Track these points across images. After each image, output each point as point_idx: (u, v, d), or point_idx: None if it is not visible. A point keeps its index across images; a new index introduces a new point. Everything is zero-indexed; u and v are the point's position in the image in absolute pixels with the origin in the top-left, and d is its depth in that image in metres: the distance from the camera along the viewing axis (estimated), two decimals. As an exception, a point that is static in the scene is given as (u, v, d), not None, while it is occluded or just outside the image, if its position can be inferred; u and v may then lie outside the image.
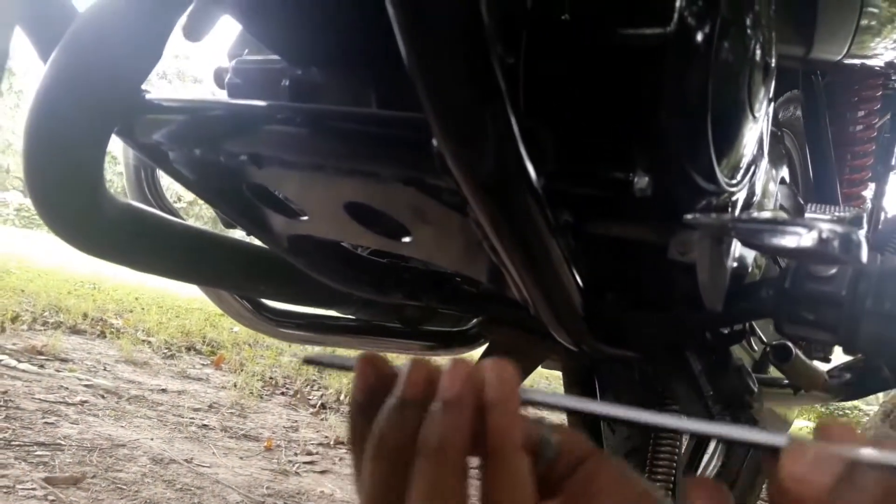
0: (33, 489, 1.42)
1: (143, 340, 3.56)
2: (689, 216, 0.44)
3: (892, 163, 1.45)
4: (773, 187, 0.85)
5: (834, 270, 0.56)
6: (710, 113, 0.49)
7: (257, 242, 0.74)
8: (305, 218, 0.58)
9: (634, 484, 0.30)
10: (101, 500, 1.45)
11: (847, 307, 0.55)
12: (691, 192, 0.51)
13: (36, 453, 1.63)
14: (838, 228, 0.38)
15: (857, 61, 1.06)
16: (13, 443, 1.66)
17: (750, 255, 0.67)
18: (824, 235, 0.37)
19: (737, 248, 0.58)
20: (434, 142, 0.39)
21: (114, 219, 0.58)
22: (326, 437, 2.49)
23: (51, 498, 1.40)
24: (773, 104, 0.68)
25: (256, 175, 0.55)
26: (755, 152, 0.61)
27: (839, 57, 0.98)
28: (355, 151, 0.43)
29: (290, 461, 2.09)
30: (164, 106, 0.54)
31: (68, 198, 0.55)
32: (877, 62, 1.13)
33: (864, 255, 0.38)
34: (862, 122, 1.27)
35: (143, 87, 0.55)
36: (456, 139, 0.39)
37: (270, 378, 3.24)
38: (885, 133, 1.43)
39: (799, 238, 0.37)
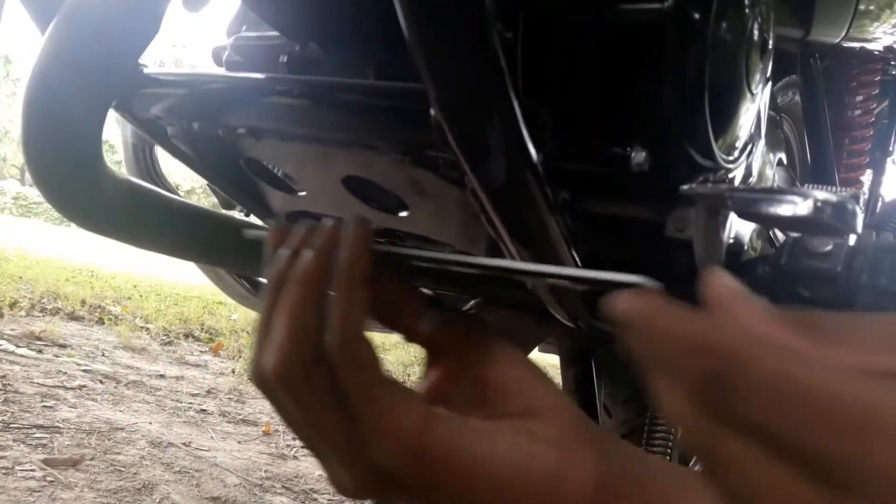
0: (32, 470, 1.42)
1: (142, 327, 3.56)
2: (685, 187, 0.44)
3: (890, 148, 1.45)
4: (769, 171, 0.86)
5: (830, 247, 0.56)
6: (708, 89, 0.50)
7: (256, 222, 0.74)
8: (303, 193, 0.58)
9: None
10: (99, 482, 1.46)
11: (842, 283, 0.55)
12: (688, 168, 0.51)
13: (35, 436, 1.63)
14: (833, 197, 0.38)
15: (856, 45, 1.06)
16: (12, 425, 1.66)
17: (746, 234, 0.67)
18: (819, 203, 0.37)
19: (733, 224, 0.58)
20: (432, 112, 0.39)
21: (113, 194, 0.58)
22: (324, 422, 2.50)
23: (49, 479, 1.41)
24: (771, 85, 0.68)
25: (254, 149, 0.55)
26: (752, 131, 0.61)
27: (838, 40, 0.98)
28: (353, 123, 0.44)
29: (288, 445, 2.10)
30: (162, 80, 0.54)
31: (67, 172, 0.55)
32: (875, 46, 1.13)
33: (860, 224, 0.38)
34: (860, 106, 1.27)
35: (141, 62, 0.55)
36: (455, 113, 0.40)
37: (268, 364, 3.24)
38: (883, 119, 1.43)
39: (794, 206, 0.37)
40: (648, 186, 0.53)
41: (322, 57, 0.58)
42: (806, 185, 0.87)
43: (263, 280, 0.96)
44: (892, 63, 1.28)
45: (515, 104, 0.41)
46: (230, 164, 0.59)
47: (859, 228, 0.38)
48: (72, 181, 0.55)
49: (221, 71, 0.61)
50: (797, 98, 1.18)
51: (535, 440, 0.32)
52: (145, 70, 0.55)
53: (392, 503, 0.36)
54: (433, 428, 0.31)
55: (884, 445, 0.17)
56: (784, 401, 0.19)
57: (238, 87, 0.51)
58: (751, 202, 0.39)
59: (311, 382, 0.32)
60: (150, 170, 0.75)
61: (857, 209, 0.38)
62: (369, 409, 0.31)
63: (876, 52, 1.17)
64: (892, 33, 1.12)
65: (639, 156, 0.49)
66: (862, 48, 1.09)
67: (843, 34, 0.96)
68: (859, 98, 1.24)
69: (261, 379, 0.33)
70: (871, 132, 1.30)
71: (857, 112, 1.26)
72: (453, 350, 0.36)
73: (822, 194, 0.37)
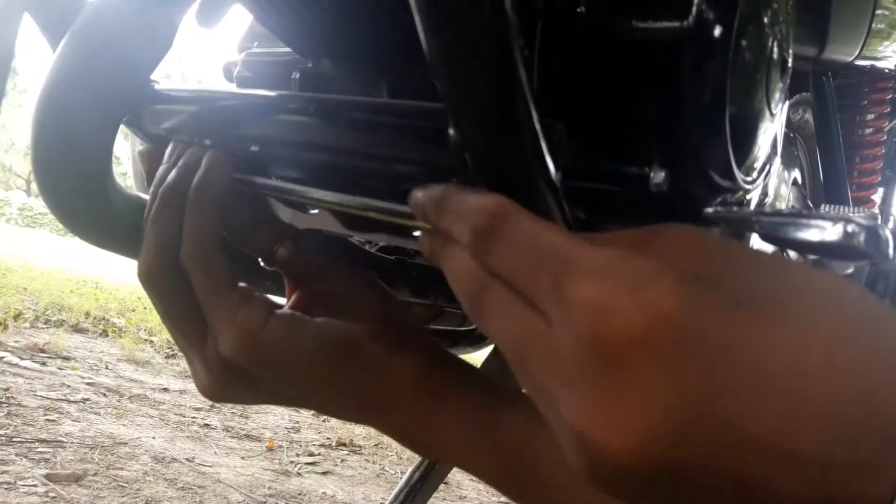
0: (34, 486, 1.41)
1: (146, 340, 3.55)
2: (710, 209, 0.43)
3: (903, 166, 1.44)
4: (785, 189, 0.85)
5: (851, 270, 0.55)
6: (729, 108, 0.49)
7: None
8: (315, 212, 0.57)
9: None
10: (102, 498, 1.44)
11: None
12: (707, 189, 0.50)
13: (37, 450, 1.62)
14: (865, 222, 0.37)
15: (868, 63, 1.05)
16: (14, 439, 1.65)
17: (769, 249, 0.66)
18: (850, 229, 0.36)
19: (753, 246, 0.57)
20: (451, 131, 0.38)
21: (122, 210, 0.57)
22: (328, 438, 2.49)
23: (52, 495, 1.39)
24: (787, 104, 0.67)
25: (266, 167, 0.54)
26: (770, 151, 0.61)
27: (851, 58, 0.97)
28: (368, 141, 0.43)
29: (291, 462, 2.08)
30: (173, 96, 0.54)
31: (76, 187, 0.55)
32: (887, 65, 1.12)
33: (892, 251, 0.37)
34: (871, 125, 1.27)
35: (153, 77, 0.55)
36: (475, 132, 0.39)
37: (272, 379, 3.23)
38: (894, 138, 1.42)
39: (823, 231, 0.36)
40: (666, 207, 0.53)
41: (335, 74, 0.57)
42: (822, 207, 0.86)
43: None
44: (904, 81, 1.28)
45: (536, 122, 0.40)
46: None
47: (891, 254, 0.37)
48: (80, 196, 0.55)
49: (233, 87, 0.60)
50: (808, 116, 1.17)
51: (350, 325, 0.38)
52: (157, 86, 0.55)
53: (244, 402, 0.41)
54: (270, 321, 0.36)
55: (576, 282, 0.21)
56: (528, 252, 0.24)
57: (251, 104, 0.50)
58: (778, 227, 0.39)
59: (172, 284, 0.38)
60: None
61: (889, 235, 0.37)
62: (217, 307, 0.36)
63: (887, 71, 1.17)
64: (903, 52, 1.11)
65: (658, 175, 0.48)
66: (873, 66, 1.08)
67: (857, 52, 0.96)
68: (871, 117, 1.24)
69: (138, 277, 0.40)
70: (882, 150, 1.29)
71: (869, 131, 1.26)
72: (307, 274, 0.43)
73: (854, 218, 0.36)
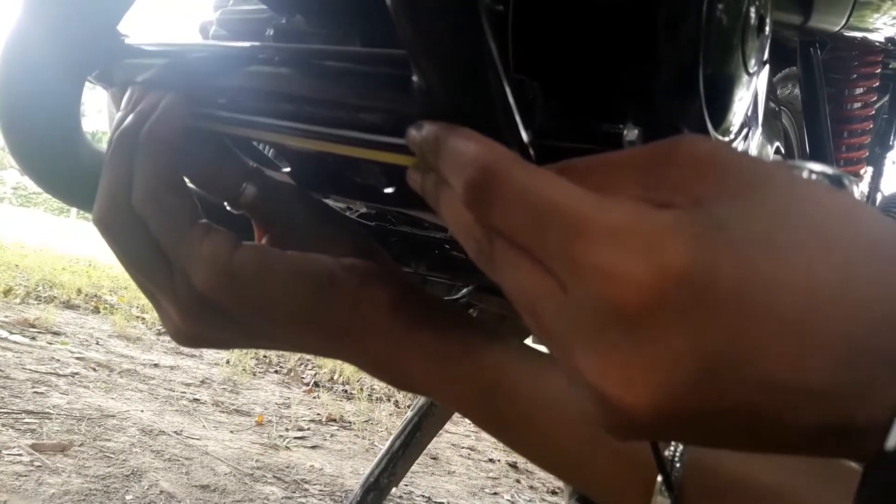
0: (19, 455, 1.41)
1: (137, 317, 3.55)
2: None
3: (891, 143, 1.44)
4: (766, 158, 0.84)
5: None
6: (702, 65, 0.48)
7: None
8: (288, 170, 0.57)
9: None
10: (87, 468, 1.45)
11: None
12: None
13: (24, 420, 1.62)
14: (829, 170, 0.37)
15: (856, 34, 1.05)
16: (1, 410, 1.65)
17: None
18: (814, 175, 0.36)
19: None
20: (414, 79, 0.38)
21: (92, 167, 0.57)
22: (318, 414, 2.49)
23: (37, 464, 1.39)
24: (769, 70, 0.67)
25: (237, 122, 0.53)
26: (749, 114, 0.60)
27: (838, 28, 0.97)
28: (334, 89, 0.42)
29: (280, 436, 2.09)
30: (143, 50, 0.53)
31: (44, 143, 0.54)
32: (876, 37, 1.12)
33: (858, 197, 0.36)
34: (860, 99, 1.26)
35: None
36: (439, 80, 0.38)
37: (264, 356, 3.24)
38: (882, 114, 1.42)
39: (788, 179, 0.36)
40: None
41: (308, 29, 0.56)
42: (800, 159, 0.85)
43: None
44: (893, 56, 1.27)
45: (504, 78, 0.40)
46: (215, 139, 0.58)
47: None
48: (49, 152, 0.54)
49: (203, 40, 0.60)
50: (796, 91, 1.17)
51: (322, 257, 0.38)
52: (126, 40, 0.54)
53: (216, 344, 0.41)
54: (240, 251, 0.35)
55: (586, 247, 0.21)
56: (528, 212, 0.23)
57: (221, 56, 0.49)
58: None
59: (128, 228, 0.38)
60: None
61: (854, 185, 0.37)
62: (180, 244, 0.36)
63: (877, 44, 1.16)
64: (892, 24, 1.10)
65: (631, 133, 0.48)
66: (863, 39, 1.08)
67: (843, 22, 0.95)
68: (859, 91, 1.23)
69: (93, 223, 0.39)
70: (871, 126, 1.28)
71: (857, 105, 1.25)
72: (276, 216, 0.42)
73: (817, 166, 0.36)
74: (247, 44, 0.51)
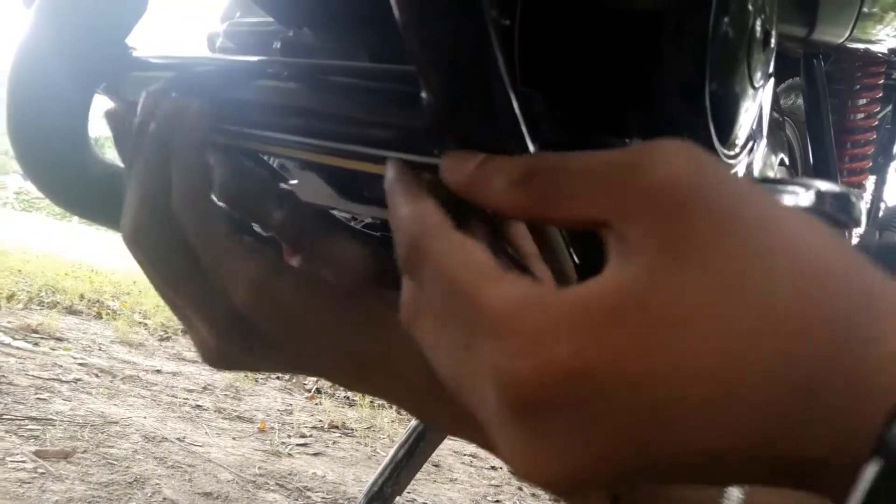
0: (23, 462, 1.41)
1: (140, 323, 3.55)
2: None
3: (894, 153, 1.44)
4: (770, 172, 0.84)
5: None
6: (708, 80, 0.49)
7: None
8: (294, 182, 0.57)
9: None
10: (90, 475, 1.45)
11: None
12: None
13: (27, 427, 1.62)
14: (836, 189, 0.37)
15: (859, 46, 1.05)
16: (4, 416, 1.65)
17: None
18: (821, 194, 0.36)
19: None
20: (423, 95, 0.38)
21: (100, 178, 0.57)
22: (321, 420, 2.49)
23: (40, 471, 1.40)
24: (773, 81, 0.67)
25: (243, 135, 0.54)
26: (754, 127, 0.60)
27: (841, 40, 0.97)
28: (343, 104, 0.42)
29: (283, 443, 2.09)
30: (151, 63, 0.53)
31: (53, 155, 0.55)
32: (879, 48, 1.12)
33: (863, 217, 0.37)
34: (863, 110, 1.26)
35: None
36: (446, 95, 0.39)
37: (266, 362, 3.23)
38: (886, 124, 1.42)
39: (796, 197, 0.36)
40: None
41: (316, 43, 0.57)
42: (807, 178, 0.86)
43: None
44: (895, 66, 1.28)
45: (511, 91, 0.40)
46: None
47: (863, 222, 0.37)
48: (57, 164, 0.55)
49: (211, 54, 0.60)
50: (799, 101, 1.17)
51: (360, 283, 0.37)
52: (134, 53, 0.54)
53: (249, 366, 0.39)
54: (285, 275, 0.34)
55: (481, 340, 0.21)
56: (442, 285, 0.23)
57: (229, 70, 0.50)
58: (749, 192, 0.39)
59: (163, 240, 0.36)
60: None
61: (860, 202, 0.37)
62: (224, 255, 0.34)
63: (880, 55, 1.16)
64: (895, 36, 1.11)
65: (636, 147, 0.48)
66: (866, 50, 1.08)
67: (847, 34, 0.95)
68: (862, 101, 1.23)
69: (124, 240, 0.37)
70: (874, 136, 1.29)
71: (861, 116, 1.25)
72: (305, 237, 0.40)
73: (825, 185, 0.36)
74: (255, 58, 0.52)
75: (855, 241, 0.52)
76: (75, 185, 0.55)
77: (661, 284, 0.19)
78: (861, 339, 0.19)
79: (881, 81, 1.25)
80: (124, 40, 0.53)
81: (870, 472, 0.18)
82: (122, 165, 0.62)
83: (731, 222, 0.20)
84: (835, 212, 0.35)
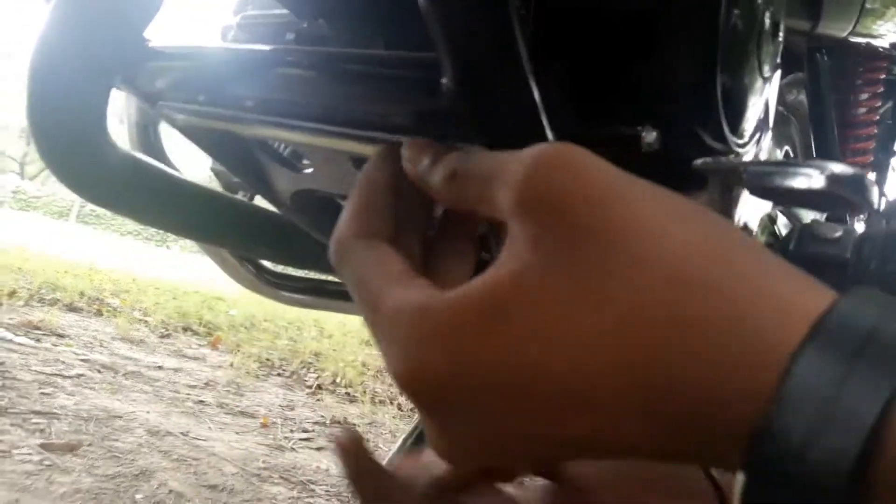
0: (29, 454, 1.42)
1: (140, 320, 3.56)
2: (699, 161, 0.43)
3: (894, 149, 1.45)
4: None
5: (839, 233, 0.56)
6: (720, 68, 0.49)
7: (260, 205, 0.74)
8: (310, 171, 0.58)
9: None
10: (96, 467, 1.45)
11: (851, 269, 0.55)
12: (698, 150, 0.51)
13: (32, 421, 1.63)
14: (849, 170, 0.38)
15: (862, 41, 1.06)
16: (9, 410, 1.66)
17: (753, 225, 0.67)
18: (836, 176, 0.37)
19: (741, 216, 0.58)
20: (444, 80, 0.38)
21: (117, 167, 0.58)
22: (322, 416, 2.50)
23: (47, 463, 1.40)
24: (779, 73, 0.68)
25: (260, 125, 0.54)
26: (762, 118, 0.61)
27: (845, 34, 0.98)
28: (362, 93, 0.43)
29: (286, 437, 2.10)
30: (168, 53, 0.54)
31: (71, 145, 0.55)
32: (881, 43, 1.13)
33: (876, 198, 0.37)
34: (865, 105, 1.27)
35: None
36: (470, 79, 0.39)
37: (267, 359, 3.24)
38: (887, 120, 1.43)
39: (810, 179, 0.37)
40: (658, 169, 0.53)
41: (330, 34, 0.57)
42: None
43: (267, 263, 0.94)
44: (896, 63, 1.28)
45: (531, 77, 0.41)
46: (236, 141, 0.59)
47: (876, 202, 0.38)
48: (76, 154, 0.55)
49: (227, 44, 0.60)
50: (801, 97, 1.18)
51: None
52: (150, 44, 0.55)
53: None
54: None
55: (375, 335, 0.24)
56: (355, 285, 0.26)
57: (245, 60, 0.50)
58: (765, 175, 0.39)
59: None
60: (153, 150, 0.75)
61: (873, 183, 0.38)
62: None
63: (881, 50, 1.17)
64: (895, 31, 1.12)
65: (650, 136, 0.49)
66: (868, 45, 1.09)
67: (850, 28, 0.96)
68: (864, 96, 1.24)
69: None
70: (875, 131, 1.29)
71: (863, 110, 1.26)
72: None
73: (837, 167, 0.37)
74: (272, 46, 0.52)
75: (861, 228, 0.53)
76: (93, 174, 0.56)
77: (525, 288, 0.21)
78: (718, 346, 0.19)
79: (882, 76, 1.25)
80: (142, 32, 0.53)
81: (739, 480, 0.19)
82: (137, 155, 0.62)
83: (596, 231, 0.21)
84: (849, 193, 0.36)
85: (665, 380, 0.19)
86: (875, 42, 1.11)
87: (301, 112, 0.47)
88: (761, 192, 0.41)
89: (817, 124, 1.17)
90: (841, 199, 0.37)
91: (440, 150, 0.29)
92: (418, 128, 0.44)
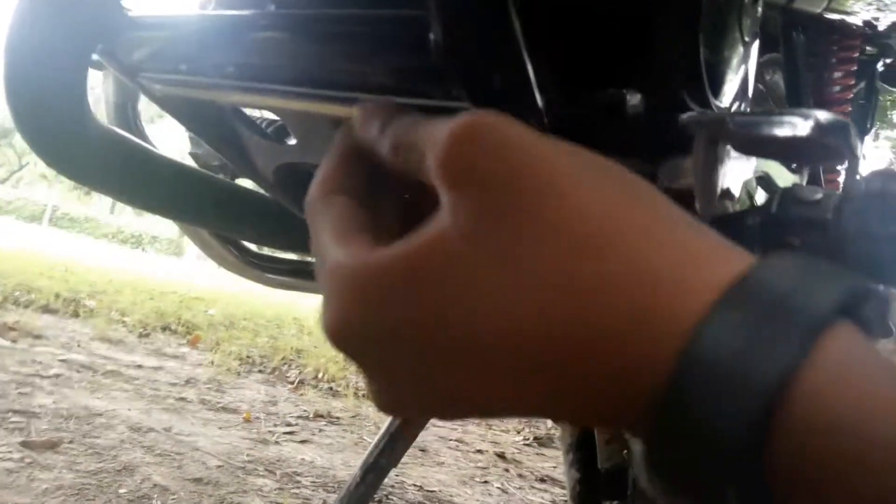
0: (10, 452, 1.40)
1: (118, 320, 3.51)
2: (685, 115, 0.44)
3: (867, 127, 1.47)
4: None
5: (819, 195, 0.56)
6: (702, 31, 0.50)
7: (243, 184, 0.73)
8: (293, 142, 0.57)
9: None
10: (78, 464, 1.43)
11: (832, 230, 0.55)
12: (682, 113, 0.51)
13: (11, 419, 1.60)
14: (833, 117, 0.38)
15: (836, 17, 1.07)
16: (-13, 410, 1.63)
17: (736, 189, 0.67)
18: (820, 122, 0.37)
19: (726, 174, 0.59)
20: (432, 35, 0.38)
21: (99, 144, 0.57)
22: (305, 410, 2.49)
23: (27, 460, 1.38)
24: (758, 43, 0.68)
25: (241, 94, 0.54)
26: (742, 86, 0.62)
27: (820, 9, 0.99)
28: (345, 54, 0.43)
29: (269, 431, 2.08)
30: (148, 22, 0.53)
31: (51, 119, 0.54)
32: (855, 20, 1.14)
33: (860, 147, 0.38)
34: (839, 83, 1.29)
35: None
36: (460, 44, 0.39)
37: (247, 357, 3.22)
38: (860, 100, 1.45)
39: (795, 127, 0.37)
40: (642, 134, 0.53)
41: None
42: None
43: (248, 245, 0.93)
44: (869, 42, 1.30)
45: (519, 35, 0.41)
46: (217, 114, 0.58)
47: (860, 150, 0.38)
48: (56, 129, 0.54)
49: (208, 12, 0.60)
50: (778, 78, 1.19)
51: None
52: (130, 13, 0.54)
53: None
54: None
55: (322, 283, 0.25)
56: (313, 239, 0.27)
57: (224, 25, 0.50)
58: (751, 125, 0.39)
59: None
60: (132, 129, 0.74)
61: (857, 132, 0.39)
62: None
63: (854, 27, 1.19)
64: (867, 9, 1.13)
65: (634, 98, 0.49)
66: (843, 21, 1.10)
67: (825, 4, 0.97)
68: (838, 74, 1.25)
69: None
70: (850, 109, 1.31)
71: (837, 88, 1.27)
72: None
73: (822, 114, 0.37)
74: (253, 11, 0.52)
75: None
76: (75, 151, 0.55)
77: (439, 252, 0.21)
78: (618, 312, 0.19)
79: (856, 55, 1.27)
80: (121, 2, 0.52)
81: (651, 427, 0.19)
82: (120, 131, 0.61)
83: (509, 197, 0.21)
84: (833, 141, 0.36)
85: (569, 345, 0.20)
86: (849, 19, 1.12)
87: (283, 76, 0.46)
88: (747, 143, 0.41)
89: (794, 103, 1.18)
90: (826, 147, 0.38)
91: (389, 116, 0.28)
92: (402, 87, 0.43)
